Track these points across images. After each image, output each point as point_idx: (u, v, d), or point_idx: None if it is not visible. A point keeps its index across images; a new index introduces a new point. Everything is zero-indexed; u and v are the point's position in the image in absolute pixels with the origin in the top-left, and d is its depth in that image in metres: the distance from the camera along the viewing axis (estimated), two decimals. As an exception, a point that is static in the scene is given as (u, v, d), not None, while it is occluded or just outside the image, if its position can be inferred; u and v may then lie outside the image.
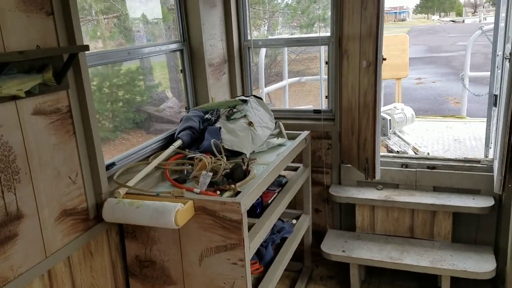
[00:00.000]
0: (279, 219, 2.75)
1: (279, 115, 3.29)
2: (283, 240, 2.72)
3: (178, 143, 2.41)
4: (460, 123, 4.62)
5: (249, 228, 2.07)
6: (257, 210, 2.28)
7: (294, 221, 2.93)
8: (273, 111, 2.92)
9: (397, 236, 3.01)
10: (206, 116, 2.62)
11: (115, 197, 1.91)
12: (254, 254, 2.34)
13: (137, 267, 2.08)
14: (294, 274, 3.19)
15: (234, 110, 2.62)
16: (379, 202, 2.94)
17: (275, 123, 2.89)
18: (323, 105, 3.51)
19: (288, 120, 3.24)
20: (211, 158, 2.23)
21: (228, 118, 2.55)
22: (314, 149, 3.22)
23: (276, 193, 2.56)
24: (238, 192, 1.98)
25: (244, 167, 2.20)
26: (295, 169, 2.98)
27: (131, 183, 1.98)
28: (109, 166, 2.08)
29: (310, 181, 3.02)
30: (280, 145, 2.74)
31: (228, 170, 2.19)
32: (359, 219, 3.07)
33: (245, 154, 2.43)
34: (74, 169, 1.80)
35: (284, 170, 2.79)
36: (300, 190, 2.99)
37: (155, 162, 2.20)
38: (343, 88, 3.01)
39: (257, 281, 2.38)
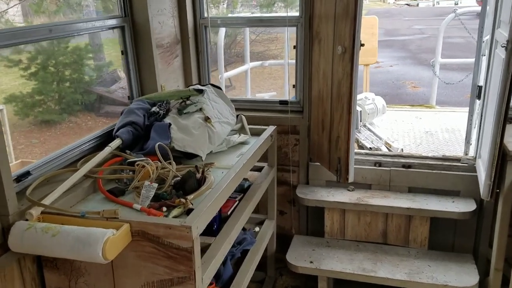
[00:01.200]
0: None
1: (241, 106, 2.89)
2: (244, 252, 2.36)
3: (116, 142, 1.97)
4: (430, 113, 4.39)
5: (203, 251, 1.68)
6: (214, 226, 1.90)
7: (257, 229, 2.57)
8: (233, 101, 2.51)
9: (369, 242, 2.72)
10: (153, 109, 2.18)
11: (27, 220, 1.47)
12: (210, 276, 1.96)
13: (62, 303, 1.65)
14: (255, 285, 2.84)
15: (188, 102, 2.19)
16: (350, 206, 2.63)
17: (237, 116, 2.50)
18: (289, 95, 3.13)
19: (251, 112, 2.85)
20: (157, 163, 1.81)
21: (180, 112, 2.13)
22: (280, 145, 2.85)
23: (237, 202, 2.18)
24: (191, 210, 1.58)
25: (199, 175, 1.80)
26: (259, 169, 2.61)
27: (48, 199, 1.54)
28: (22, 177, 1.62)
29: (275, 183, 2.66)
30: (242, 143, 2.35)
31: (179, 179, 1.78)
32: (328, 224, 2.75)
33: (201, 157, 2.02)
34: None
35: (246, 172, 2.42)
36: (265, 193, 2.63)
37: (84, 169, 1.76)
38: (314, 77, 2.64)
39: (213, 305, 2.02)
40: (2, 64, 3.92)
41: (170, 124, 2.05)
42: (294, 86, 2.83)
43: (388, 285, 2.42)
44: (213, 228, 1.88)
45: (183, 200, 1.63)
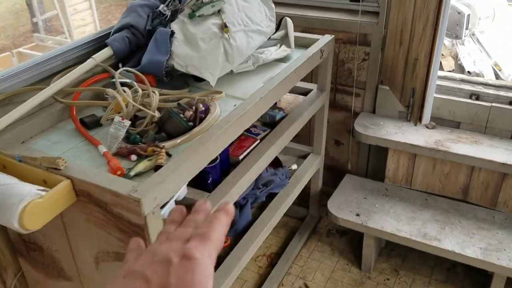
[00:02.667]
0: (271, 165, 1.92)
1: (293, 1, 2.22)
2: (272, 196, 1.93)
3: (103, 53, 1.52)
4: None
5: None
6: (209, 178, 1.45)
7: (294, 167, 2.09)
8: None
9: (443, 196, 2.11)
10: (160, 7, 1.65)
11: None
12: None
13: (23, 247, 1.40)
14: (294, 222, 2.46)
15: (205, 0, 1.62)
16: (424, 151, 1.99)
17: (280, 20, 1.88)
18: None
19: (307, 11, 2.18)
20: (137, 91, 1.34)
21: (192, 14, 1.57)
22: (343, 58, 2.20)
23: (258, 141, 1.69)
24: (160, 166, 1.14)
25: (190, 112, 1.32)
26: (305, 92, 2.03)
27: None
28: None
29: (325, 111, 2.08)
30: (281, 59, 1.77)
31: (157, 118, 1.32)
32: (392, 168, 2.17)
33: (210, 82, 1.51)
34: None
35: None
36: (311, 120, 2.09)
37: (53, 87, 1.36)
38: (397, -33, 1.85)
39: (221, 258, 1.68)
40: None
41: (173, 32, 1.52)
42: (372, -23, 2.06)
43: (454, 260, 1.87)
44: (208, 181, 1.44)
45: (156, 149, 1.19)
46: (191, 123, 1.29)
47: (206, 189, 1.42)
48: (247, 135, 1.71)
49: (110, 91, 1.29)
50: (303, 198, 2.42)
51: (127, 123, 1.25)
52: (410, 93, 1.75)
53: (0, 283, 1.43)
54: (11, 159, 1.16)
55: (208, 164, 1.36)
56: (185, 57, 1.49)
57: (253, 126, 1.78)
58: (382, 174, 2.21)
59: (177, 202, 1.29)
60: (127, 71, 1.49)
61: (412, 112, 1.77)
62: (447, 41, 2.64)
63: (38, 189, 1.04)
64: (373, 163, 2.37)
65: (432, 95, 1.67)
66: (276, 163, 2.14)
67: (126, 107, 1.28)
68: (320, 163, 2.21)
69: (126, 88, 1.32)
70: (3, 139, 1.23)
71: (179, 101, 1.36)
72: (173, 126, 1.26)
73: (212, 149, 1.26)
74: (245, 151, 1.62)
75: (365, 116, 2.22)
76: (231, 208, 0.44)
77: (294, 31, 1.89)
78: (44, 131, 1.36)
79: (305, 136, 2.39)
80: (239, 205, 1.84)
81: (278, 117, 1.82)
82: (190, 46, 1.51)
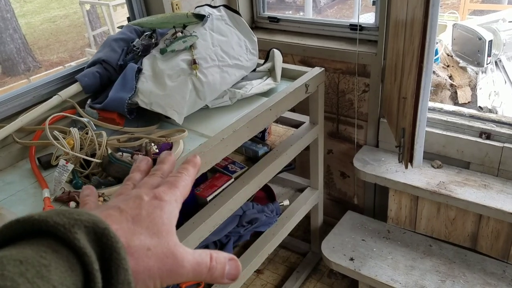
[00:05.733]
0: (251, 201, 1.83)
1: (292, 28, 2.13)
2: (258, 234, 1.82)
3: (72, 89, 1.50)
4: None
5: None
6: None
7: (286, 202, 1.97)
8: (281, 21, 1.78)
9: (450, 243, 1.91)
10: (135, 42, 1.61)
11: None
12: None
13: None
14: (295, 257, 2.33)
15: (179, 34, 1.57)
16: (425, 194, 1.81)
17: (268, 52, 1.79)
18: (359, 18, 2.24)
19: (307, 39, 2.07)
20: (87, 132, 1.30)
21: (163, 50, 1.53)
22: (343, 89, 2.07)
23: (232, 180, 1.60)
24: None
25: (139, 155, 1.26)
26: (298, 125, 1.92)
27: None
28: None
29: (321, 145, 1.95)
30: (264, 93, 1.68)
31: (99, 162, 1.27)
32: (394, 208, 1.99)
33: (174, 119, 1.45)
34: None
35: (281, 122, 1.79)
36: (306, 152, 1.98)
37: (13, 126, 1.36)
38: (392, -6, 1.71)
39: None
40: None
41: (139, 69, 1.48)
42: (374, 1, 1.92)
43: (453, 319, 1.67)
44: None
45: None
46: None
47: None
48: (222, 173, 1.63)
49: (55, 133, 1.26)
50: (308, 231, 2.30)
51: (70, 167, 1.21)
52: (401, 133, 1.60)
53: None
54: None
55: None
56: (150, 94, 1.44)
57: (232, 162, 1.69)
58: (386, 213, 2.04)
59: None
60: (91, 107, 1.47)
61: (403, 154, 1.61)
62: (469, 69, 2.42)
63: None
64: (379, 199, 2.20)
65: (422, 136, 1.50)
66: (269, 197, 2.04)
67: (72, 149, 1.24)
68: (319, 198, 2.07)
69: (75, 129, 1.28)
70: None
71: (136, 143, 1.30)
72: (118, 170, 1.21)
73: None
74: (215, 191, 1.54)
75: (367, 150, 2.07)
76: (198, 160, 0.47)
77: (293, 60, 1.79)
78: (2, 170, 1.35)
79: (306, 169, 2.26)
80: (220, 243, 1.76)
81: (260, 152, 1.72)
82: (157, 83, 1.46)
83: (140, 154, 1.25)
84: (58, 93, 1.47)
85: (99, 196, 1.14)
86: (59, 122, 1.46)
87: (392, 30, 1.72)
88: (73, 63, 4.64)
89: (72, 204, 1.16)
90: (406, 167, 1.63)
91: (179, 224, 1.38)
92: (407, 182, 1.84)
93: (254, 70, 1.73)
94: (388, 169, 1.92)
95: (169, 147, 1.35)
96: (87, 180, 1.23)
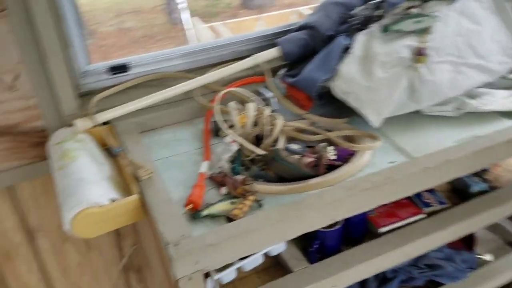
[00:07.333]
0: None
1: None
2: (435, 284, 1.41)
3: (269, 54, 1.31)
4: None
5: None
6: (314, 244, 1.09)
7: (487, 257, 1.47)
8: None
9: None
10: (358, 9, 1.30)
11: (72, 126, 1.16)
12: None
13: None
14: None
15: (414, 10, 1.18)
16: None
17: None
18: None
19: None
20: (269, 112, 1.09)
21: (386, 27, 1.18)
22: None
23: (422, 215, 1.20)
24: (230, 219, 0.90)
25: (308, 159, 0.99)
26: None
27: (118, 110, 1.17)
28: (116, 69, 1.28)
29: None
30: (507, 113, 1.20)
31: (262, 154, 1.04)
32: None
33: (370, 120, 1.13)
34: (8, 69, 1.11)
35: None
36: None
37: (194, 81, 1.25)
38: None
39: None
40: None
41: (347, 46, 1.18)
42: None
43: None
44: (311, 247, 1.09)
45: (248, 190, 0.94)
46: (306, 170, 0.97)
47: (308, 255, 1.09)
48: (411, 201, 1.25)
49: (231, 104, 1.08)
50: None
51: (234, 148, 1.03)
52: None
53: (116, 249, 1.50)
54: (111, 150, 1.11)
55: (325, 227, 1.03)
56: (350, 81, 1.14)
57: (429, 190, 1.29)
58: None
59: (266, 256, 1.04)
60: (282, 79, 1.26)
61: None
62: None
63: (109, 198, 0.95)
64: None
65: None
66: (465, 241, 1.57)
67: (242, 127, 1.06)
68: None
69: (253, 105, 1.09)
70: (128, 123, 1.20)
71: (313, 137, 1.05)
72: (280, 169, 0.98)
73: (330, 211, 0.92)
74: (394, 222, 1.19)
75: None
76: None
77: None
78: (178, 123, 1.28)
79: None
80: (383, 278, 1.43)
81: (474, 188, 1.27)
82: (363, 69, 1.14)
83: (311, 158, 0.99)
84: (254, 55, 1.30)
85: (251, 195, 0.93)
86: (243, 87, 1.30)
87: None
88: (304, 8, 4.36)
89: (223, 190, 0.98)
90: None
91: (335, 252, 1.11)
92: None
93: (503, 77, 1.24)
94: None
95: (351, 154, 1.04)
96: (251, 164, 1.03)
